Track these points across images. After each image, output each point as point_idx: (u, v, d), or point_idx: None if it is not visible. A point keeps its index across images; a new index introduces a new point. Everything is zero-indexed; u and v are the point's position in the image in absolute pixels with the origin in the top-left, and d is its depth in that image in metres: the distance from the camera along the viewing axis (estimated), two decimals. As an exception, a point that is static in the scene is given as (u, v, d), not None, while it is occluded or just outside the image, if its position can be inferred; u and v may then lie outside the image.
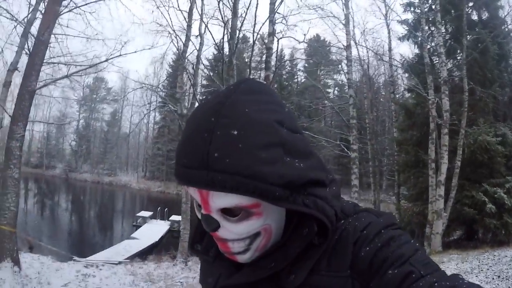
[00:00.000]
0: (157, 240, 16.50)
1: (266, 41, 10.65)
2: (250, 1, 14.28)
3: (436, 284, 0.54)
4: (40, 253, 9.85)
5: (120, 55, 7.93)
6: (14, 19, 9.17)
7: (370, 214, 0.70)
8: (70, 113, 52.20)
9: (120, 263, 9.61)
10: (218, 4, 10.10)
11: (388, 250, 0.61)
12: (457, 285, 0.53)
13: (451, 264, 7.82)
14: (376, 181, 18.13)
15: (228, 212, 0.62)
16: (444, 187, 10.94)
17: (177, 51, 12.93)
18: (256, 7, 10.34)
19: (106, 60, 7.98)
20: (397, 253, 0.60)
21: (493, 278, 6.37)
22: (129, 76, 32.40)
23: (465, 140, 11.17)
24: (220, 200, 0.60)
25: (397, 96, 19.23)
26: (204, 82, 37.83)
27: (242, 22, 10.51)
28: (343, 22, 14.01)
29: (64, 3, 8.00)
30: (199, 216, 0.68)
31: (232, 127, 0.57)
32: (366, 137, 17.97)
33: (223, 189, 0.56)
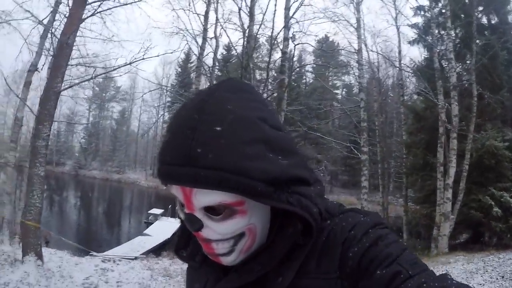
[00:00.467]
0: (169, 237, 16.72)
1: (280, 45, 10.84)
2: (267, 7, 14.44)
3: (424, 284, 0.54)
4: (56, 248, 10.12)
5: (143, 58, 8.21)
6: (37, 20, 9.44)
7: (356, 214, 0.69)
8: (80, 111, 52.78)
9: (136, 258, 9.90)
10: (239, 12, 10.30)
11: (376, 249, 0.60)
12: (446, 286, 0.53)
13: (457, 264, 8.00)
14: (384, 183, 18.14)
15: (211, 211, 0.61)
16: (452, 190, 11.12)
17: (195, 54, 13.22)
18: (274, 14, 10.53)
19: (130, 64, 8.25)
20: (385, 252, 0.59)
21: (497, 278, 6.58)
22: (138, 74, 32.79)
23: (473, 144, 11.33)
24: (204, 197, 0.59)
25: (406, 97, 19.24)
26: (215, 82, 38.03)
27: (259, 29, 10.73)
28: (355, 26, 14.10)
29: (88, 7, 8.25)
30: (182, 217, 0.67)
31: (215, 123, 0.57)
32: (375, 139, 18.03)
33: (206, 186, 0.56)
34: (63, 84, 7.56)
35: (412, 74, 16.46)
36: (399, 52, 18.35)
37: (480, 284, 6.36)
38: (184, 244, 0.77)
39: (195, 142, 0.56)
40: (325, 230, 0.66)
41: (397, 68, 17.36)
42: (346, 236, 0.64)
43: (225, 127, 0.57)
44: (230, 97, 0.61)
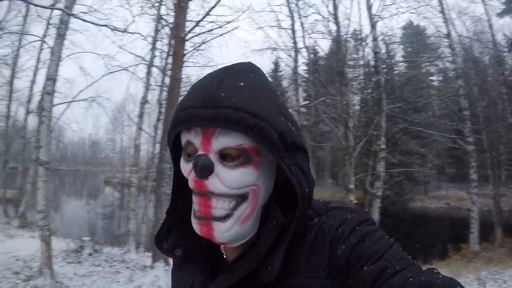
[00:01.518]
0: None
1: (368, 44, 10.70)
2: (351, 12, 14.21)
3: (411, 279, 0.54)
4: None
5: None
6: (143, 61, 10.88)
7: (343, 211, 0.69)
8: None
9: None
10: (325, 21, 10.40)
11: (363, 246, 0.60)
12: (432, 280, 0.54)
13: None
14: (495, 173, 16.50)
15: (226, 158, 0.62)
16: None
17: (288, 66, 13.76)
18: (360, 17, 10.60)
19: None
20: (372, 249, 0.60)
21: None
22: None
23: None
24: (225, 138, 0.61)
25: (506, 73, 17.25)
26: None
27: (347, 34, 10.72)
28: (438, 9, 13.04)
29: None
30: (186, 170, 0.67)
31: (240, 80, 0.62)
32: (480, 126, 16.55)
33: (226, 123, 0.59)
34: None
35: (507, 51, 14.89)
36: (490, 27, 16.51)
37: None
38: (167, 234, 0.75)
39: (220, 89, 0.61)
40: (313, 229, 0.67)
41: (490, 43, 15.59)
42: (334, 234, 0.64)
43: (248, 84, 0.62)
44: (251, 71, 0.67)
